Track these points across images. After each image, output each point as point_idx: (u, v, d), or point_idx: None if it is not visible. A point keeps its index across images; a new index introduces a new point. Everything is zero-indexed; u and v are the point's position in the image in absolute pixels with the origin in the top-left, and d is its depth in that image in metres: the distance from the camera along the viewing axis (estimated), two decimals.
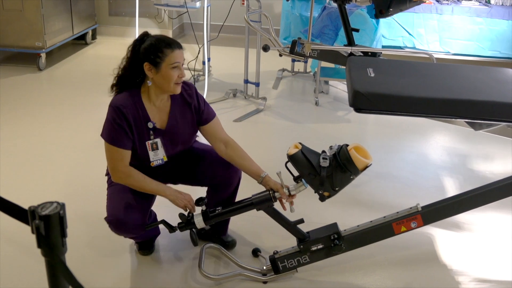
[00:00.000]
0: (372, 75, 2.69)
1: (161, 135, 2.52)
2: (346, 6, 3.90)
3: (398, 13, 3.86)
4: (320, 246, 2.55)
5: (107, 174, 2.67)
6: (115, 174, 2.46)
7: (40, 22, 5.64)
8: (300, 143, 2.40)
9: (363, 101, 2.45)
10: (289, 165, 2.39)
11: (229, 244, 2.87)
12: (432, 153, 4.25)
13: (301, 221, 2.54)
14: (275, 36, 4.00)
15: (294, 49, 4.00)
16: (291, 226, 2.54)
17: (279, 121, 4.71)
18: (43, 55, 5.79)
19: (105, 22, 7.30)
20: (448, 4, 5.35)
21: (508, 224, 3.28)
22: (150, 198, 2.62)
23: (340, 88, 5.66)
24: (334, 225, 2.62)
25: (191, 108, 2.58)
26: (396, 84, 2.62)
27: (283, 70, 6.12)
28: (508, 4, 5.41)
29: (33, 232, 1.08)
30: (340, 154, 2.32)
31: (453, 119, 2.84)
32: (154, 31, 7.18)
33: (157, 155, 2.51)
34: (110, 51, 6.69)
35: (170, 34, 7.14)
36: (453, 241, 3.07)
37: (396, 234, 2.61)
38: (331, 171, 2.32)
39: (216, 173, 2.66)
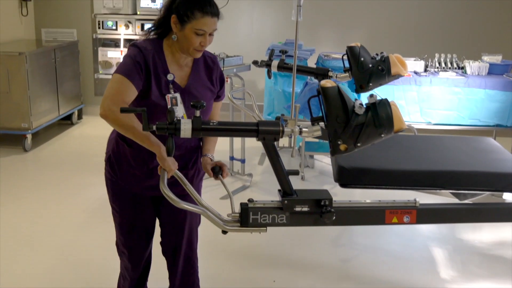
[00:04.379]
0: (356, 149, 2.72)
1: (179, 92, 2.33)
2: None
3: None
4: (305, 209, 2.27)
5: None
6: (106, 105, 2.15)
7: (26, 103, 5.68)
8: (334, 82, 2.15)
9: (348, 176, 2.48)
10: (312, 101, 2.21)
11: None
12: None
13: (296, 172, 2.32)
14: (259, 113, 4.05)
15: None
16: (284, 174, 2.24)
17: (266, 197, 4.70)
18: (29, 136, 5.80)
19: (91, 102, 7.37)
20: (426, 75, 5.49)
21: None
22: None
23: (325, 161, 5.70)
24: (326, 191, 2.37)
25: (212, 76, 2.44)
26: (380, 158, 2.65)
27: None
28: (484, 74, 5.57)
29: None
30: (379, 105, 2.10)
31: (438, 191, 2.86)
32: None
33: (176, 111, 2.27)
34: (97, 131, 6.72)
35: None
36: None
37: (386, 224, 2.45)
38: (363, 121, 2.09)
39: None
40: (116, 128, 2.23)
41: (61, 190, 4.75)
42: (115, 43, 6.53)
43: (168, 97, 2.28)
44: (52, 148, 5.99)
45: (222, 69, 2.51)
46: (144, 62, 2.24)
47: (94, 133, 6.61)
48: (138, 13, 6.12)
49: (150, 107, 2.20)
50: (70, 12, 7.06)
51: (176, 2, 2.23)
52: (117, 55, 6.37)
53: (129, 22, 6.15)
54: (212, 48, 2.47)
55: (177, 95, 2.30)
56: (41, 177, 5.07)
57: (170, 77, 2.29)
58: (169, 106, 2.26)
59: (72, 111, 6.84)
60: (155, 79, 2.27)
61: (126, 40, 6.30)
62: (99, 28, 6.37)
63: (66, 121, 6.93)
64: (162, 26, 2.31)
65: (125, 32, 6.24)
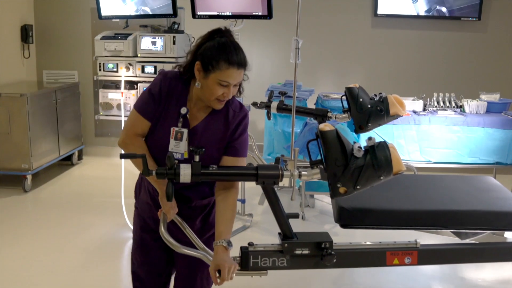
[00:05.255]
0: (355, 192, 2.73)
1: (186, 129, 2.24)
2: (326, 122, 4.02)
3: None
4: (306, 252, 2.26)
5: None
6: (121, 137, 2.28)
7: (27, 144, 5.70)
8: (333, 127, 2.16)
9: (349, 217, 2.48)
10: (311, 145, 2.20)
11: None
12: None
13: (296, 215, 2.28)
14: (258, 154, 4.09)
15: None
16: (283, 217, 2.23)
17: (267, 237, 4.68)
18: (29, 177, 5.80)
19: (91, 142, 7.39)
20: (425, 115, 5.52)
21: None
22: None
23: (325, 201, 5.69)
24: (326, 234, 2.36)
25: (227, 127, 2.28)
26: (380, 198, 2.66)
27: None
28: (482, 112, 5.60)
29: None
30: (378, 148, 2.11)
31: (439, 230, 2.85)
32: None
33: (178, 147, 2.20)
34: (96, 172, 6.72)
35: None
36: None
37: (388, 265, 2.43)
38: (362, 164, 2.09)
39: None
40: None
41: (61, 231, 4.73)
42: (115, 85, 6.57)
43: (174, 129, 2.21)
44: (52, 189, 5.98)
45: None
46: (159, 92, 2.22)
47: (94, 174, 6.61)
48: (139, 55, 6.17)
49: (155, 145, 2.27)
50: (71, 54, 7.17)
51: (202, 48, 2.16)
52: (117, 96, 6.40)
53: (130, 64, 6.19)
54: None
55: (185, 130, 2.21)
56: (41, 218, 5.05)
57: (183, 110, 2.21)
58: (171, 138, 2.20)
59: (72, 151, 6.85)
60: (166, 107, 2.23)
61: (127, 82, 6.34)
62: (100, 70, 6.42)
63: (66, 162, 6.93)
64: (188, 71, 2.24)
65: (126, 74, 6.28)
